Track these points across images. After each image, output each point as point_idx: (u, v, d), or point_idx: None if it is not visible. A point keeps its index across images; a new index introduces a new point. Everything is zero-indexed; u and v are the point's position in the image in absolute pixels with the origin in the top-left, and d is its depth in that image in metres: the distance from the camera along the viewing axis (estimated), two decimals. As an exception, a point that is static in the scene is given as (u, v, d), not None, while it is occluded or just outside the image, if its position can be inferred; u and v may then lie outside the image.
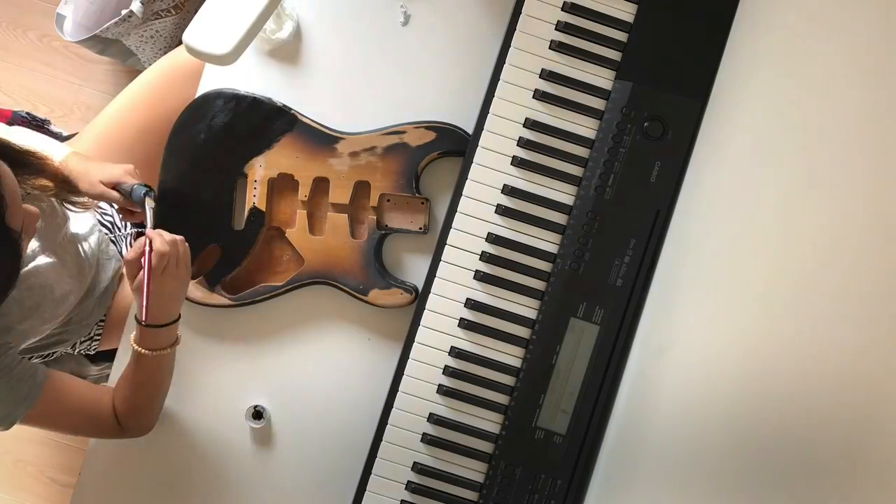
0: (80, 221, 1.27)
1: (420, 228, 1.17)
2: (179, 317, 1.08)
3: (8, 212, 0.88)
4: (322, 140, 1.16)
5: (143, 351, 1.06)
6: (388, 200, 1.17)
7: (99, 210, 1.35)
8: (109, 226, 1.36)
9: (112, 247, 1.33)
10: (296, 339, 1.20)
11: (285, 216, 1.18)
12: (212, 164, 1.17)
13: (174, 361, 1.11)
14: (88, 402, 1.10)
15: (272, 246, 1.19)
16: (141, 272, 1.00)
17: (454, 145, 1.15)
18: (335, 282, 1.17)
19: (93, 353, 1.37)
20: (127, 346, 1.20)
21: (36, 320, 1.12)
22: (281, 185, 1.18)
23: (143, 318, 1.02)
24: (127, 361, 1.18)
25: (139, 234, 1.40)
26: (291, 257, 1.19)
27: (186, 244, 1.05)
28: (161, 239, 1.01)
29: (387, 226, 1.17)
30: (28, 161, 1.03)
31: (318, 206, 1.18)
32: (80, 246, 1.22)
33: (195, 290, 1.18)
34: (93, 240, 1.27)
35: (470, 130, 1.13)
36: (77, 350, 1.36)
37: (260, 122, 1.16)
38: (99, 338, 1.35)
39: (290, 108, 1.17)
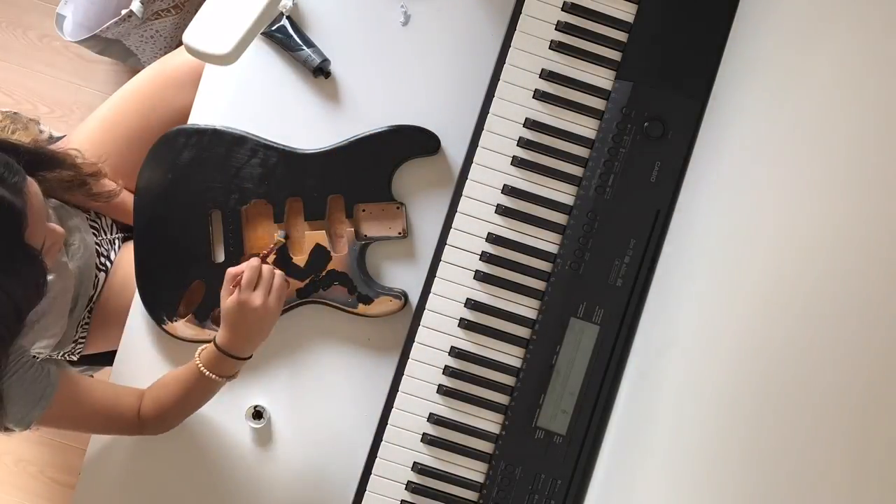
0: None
1: (399, 233, 1.17)
2: (251, 356, 1.11)
3: (28, 230, 0.89)
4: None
5: (210, 375, 1.08)
6: (364, 210, 1.16)
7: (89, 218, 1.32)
8: (94, 230, 1.33)
9: (96, 256, 1.28)
10: (294, 347, 1.19)
11: (263, 242, 1.16)
12: (184, 201, 1.16)
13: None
14: (104, 400, 1.10)
15: None
16: (235, 293, 1.05)
17: (421, 145, 1.15)
18: (323, 300, 1.17)
19: (76, 358, 1.32)
20: (126, 351, 1.20)
21: (39, 330, 1.11)
22: (254, 211, 1.17)
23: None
24: (124, 364, 1.18)
25: (126, 239, 1.34)
26: None
27: (286, 281, 1.10)
28: (259, 262, 1.07)
29: (366, 236, 1.17)
30: (43, 156, 1.03)
31: (294, 227, 1.17)
32: (77, 254, 1.21)
33: (185, 328, 1.17)
34: (86, 242, 1.25)
35: (469, 131, 1.12)
36: (60, 354, 1.30)
37: (224, 152, 1.14)
38: (83, 341, 1.30)
39: (250, 135, 1.16)
